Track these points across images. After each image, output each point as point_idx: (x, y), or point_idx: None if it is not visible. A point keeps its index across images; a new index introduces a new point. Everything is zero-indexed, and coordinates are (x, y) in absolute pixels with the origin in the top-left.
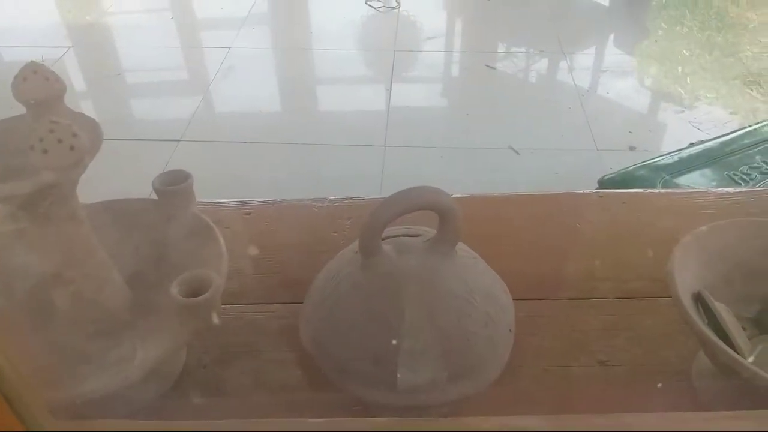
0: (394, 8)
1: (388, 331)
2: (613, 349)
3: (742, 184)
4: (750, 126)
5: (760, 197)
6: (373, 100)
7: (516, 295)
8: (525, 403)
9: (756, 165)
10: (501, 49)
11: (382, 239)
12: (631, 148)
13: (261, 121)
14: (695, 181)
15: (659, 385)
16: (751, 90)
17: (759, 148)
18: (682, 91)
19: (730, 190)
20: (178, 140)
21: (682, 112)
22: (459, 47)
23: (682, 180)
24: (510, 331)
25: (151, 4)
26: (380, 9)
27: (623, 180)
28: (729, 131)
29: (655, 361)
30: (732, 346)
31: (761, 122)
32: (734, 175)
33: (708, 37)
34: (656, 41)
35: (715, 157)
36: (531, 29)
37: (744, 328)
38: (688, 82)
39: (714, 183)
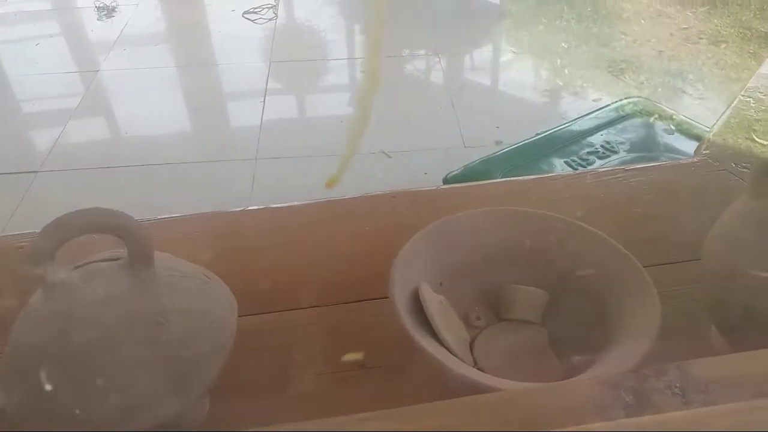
0: (271, 19)
1: (68, 365)
2: (374, 352)
3: (579, 169)
4: (593, 111)
5: (539, 183)
6: (247, 114)
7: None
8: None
9: (594, 150)
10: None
11: (77, 267)
12: (497, 143)
13: (129, 144)
14: (533, 170)
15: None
16: (624, 77)
17: (601, 132)
18: (554, 83)
19: (520, 179)
20: (36, 172)
21: (551, 103)
22: (335, 54)
23: (520, 171)
24: (223, 348)
25: (21, 33)
26: (257, 21)
27: (467, 176)
28: (575, 117)
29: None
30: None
31: (603, 106)
32: (572, 161)
33: (585, 28)
34: (535, 36)
35: (557, 145)
36: (409, 32)
37: (479, 318)
38: (566, 73)
39: (552, 171)
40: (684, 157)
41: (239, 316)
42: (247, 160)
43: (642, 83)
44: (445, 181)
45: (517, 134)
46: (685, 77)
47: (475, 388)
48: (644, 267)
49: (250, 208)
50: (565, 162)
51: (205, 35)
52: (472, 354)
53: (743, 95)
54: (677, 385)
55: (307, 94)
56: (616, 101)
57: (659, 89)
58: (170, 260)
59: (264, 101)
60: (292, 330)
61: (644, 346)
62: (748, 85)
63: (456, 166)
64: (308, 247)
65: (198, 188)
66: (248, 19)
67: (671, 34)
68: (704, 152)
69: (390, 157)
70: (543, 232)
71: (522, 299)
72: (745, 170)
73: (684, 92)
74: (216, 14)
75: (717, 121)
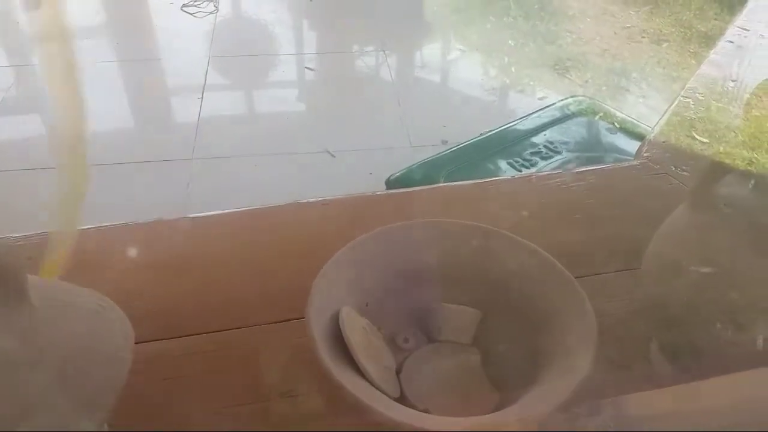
0: (211, 13)
1: None
2: (297, 378)
3: (522, 170)
4: (537, 110)
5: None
6: (183, 111)
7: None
8: None
9: (537, 150)
10: (323, 49)
11: None
12: (443, 142)
13: (52, 144)
14: (476, 172)
15: None
16: (569, 75)
17: (544, 132)
18: (501, 81)
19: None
20: None
21: (497, 101)
22: (278, 50)
23: (463, 173)
24: (113, 387)
25: None
26: (197, 15)
27: (408, 178)
28: (519, 116)
29: None
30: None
31: (547, 106)
32: (515, 162)
33: (532, 26)
34: (483, 33)
35: (501, 146)
36: (357, 28)
37: (407, 340)
38: (513, 71)
39: (495, 172)
40: (626, 158)
41: (143, 342)
42: (184, 161)
43: (587, 81)
44: (387, 183)
45: (464, 133)
46: (628, 76)
47: (395, 427)
48: (584, 277)
49: (165, 218)
50: (508, 163)
51: (141, 29)
52: (400, 380)
53: (683, 96)
54: (611, 425)
55: (247, 89)
56: (560, 100)
57: (603, 87)
58: (56, 289)
59: (202, 98)
60: (204, 356)
61: (579, 373)
62: (688, 85)
63: (402, 166)
64: (226, 261)
65: (129, 192)
66: (187, 12)
67: (615, 33)
68: (645, 154)
69: (334, 156)
70: (475, 246)
71: (452, 319)
72: (685, 173)
73: (627, 91)
74: (154, 7)
75: (657, 122)
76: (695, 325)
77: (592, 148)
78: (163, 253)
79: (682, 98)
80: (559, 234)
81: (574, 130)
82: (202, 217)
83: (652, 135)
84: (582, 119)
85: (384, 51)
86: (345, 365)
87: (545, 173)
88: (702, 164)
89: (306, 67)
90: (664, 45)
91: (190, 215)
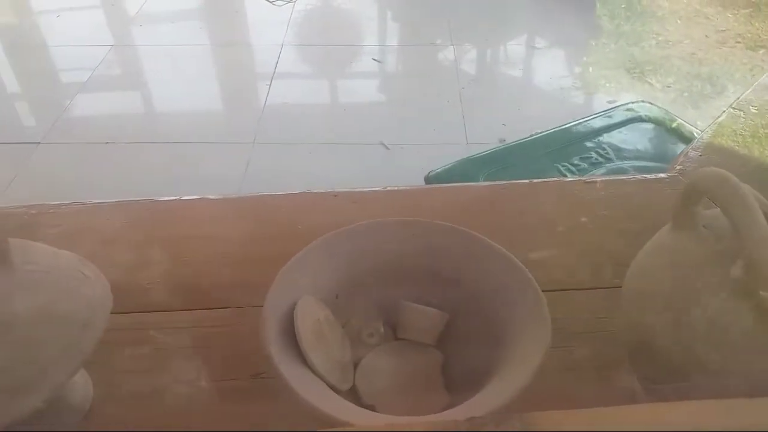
0: (290, 1)
1: None
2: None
3: (568, 175)
4: (596, 114)
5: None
6: (251, 97)
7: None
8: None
9: (587, 155)
10: (393, 41)
11: None
12: (501, 141)
13: (130, 121)
14: (516, 174)
15: None
16: (649, 78)
17: (598, 137)
18: (573, 82)
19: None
20: (38, 143)
21: (565, 102)
22: (349, 41)
23: (505, 174)
24: (79, 351)
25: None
26: (276, 3)
27: (448, 175)
28: (571, 121)
29: None
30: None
31: (607, 110)
32: (562, 166)
33: (616, 25)
34: (562, 31)
35: (550, 148)
36: (429, 21)
37: (372, 335)
38: (589, 72)
39: (537, 176)
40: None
41: (126, 313)
42: (246, 144)
43: (668, 86)
44: (427, 179)
45: (523, 133)
46: (714, 82)
47: (320, 419)
48: (567, 290)
49: (164, 198)
50: (555, 167)
51: (224, 15)
52: (356, 374)
53: (734, 108)
54: None
55: (313, 79)
56: (621, 105)
57: (685, 94)
58: (40, 253)
59: (270, 84)
60: (182, 332)
61: (520, 381)
62: (742, 97)
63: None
64: (225, 244)
65: (190, 171)
66: (268, 0)
67: (706, 36)
68: (677, 167)
69: (388, 149)
70: (451, 248)
71: (417, 319)
72: None
73: (711, 98)
74: None
75: (700, 135)
76: (661, 349)
77: (645, 158)
78: (169, 230)
79: (732, 110)
80: (554, 244)
81: (630, 137)
82: (215, 199)
83: (689, 149)
84: (641, 126)
85: (453, 45)
86: (295, 354)
87: (566, 180)
88: (681, 192)
89: (373, 59)
90: (761, 52)
91: (209, 196)
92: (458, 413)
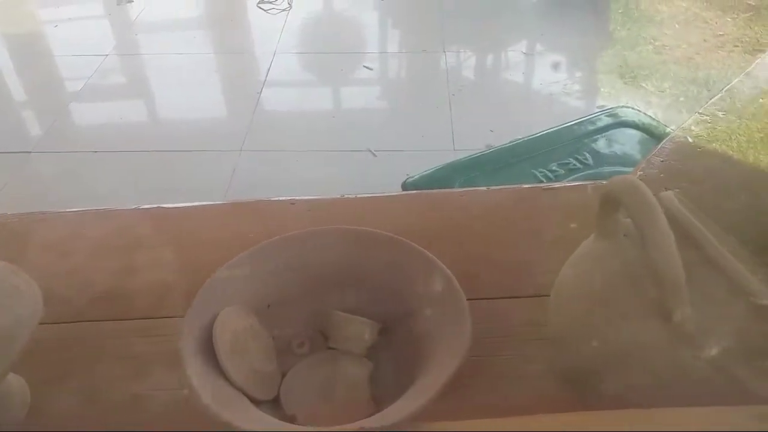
0: (284, 10)
1: None
2: None
3: (545, 181)
4: (578, 120)
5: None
6: (241, 105)
7: None
8: None
9: (565, 161)
10: (385, 48)
11: None
12: (488, 147)
13: (120, 130)
14: (492, 180)
15: None
16: (644, 83)
17: (578, 143)
18: (562, 87)
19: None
20: (29, 152)
21: (554, 108)
22: (341, 48)
23: (481, 180)
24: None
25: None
26: (270, 11)
27: (425, 182)
28: (553, 127)
29: None
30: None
31: (589, 115)
32: (539, 172)
33: (613, 30)
34: (557, 36)
35: (528, 155)
36: (422, 28)
37: (302, 344)
38: (581, 77)
39: (514, 182)
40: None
41: (57, 323)
42: (233, 151)
43: (663, 91)
44: (403, 186)
45: (510, 138)
46: (711, 87)
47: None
48: (494, 299)
49: (111, 209)
50: (533, 172)
51: (218, 24)
52: (282, 384)
53: (700, 113)
54: None
55: (304, 86)
56: (603, 110)
57: (681, 98)
58: None
59: (260, 92)
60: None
61: (431, 390)
62: (712, 100)
63: None
64: (172, 253)
65: (175, 177)
66: (262, 8)
67: (705, 41)
68: (639, 174)
69: (375, 155)
70: (384, 256)
71: (347, 329)
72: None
73: (706, 103)
74: (232, 2)
75: (664, 141)
76: (582, 360)
77: (625, 163)
78: (101, 241)
79: (698, 115)
80: (499, 251)
81: (612, 143)
82: (163, 208)
83: (653, 154)
84: (624, 131)
85: (445, 52)
86: (216, 365)
87: (524, 186)
88: (602, 199)
89: (364, 66)
90: (759, 56)
91: (161, 205)
92: (370, 423)
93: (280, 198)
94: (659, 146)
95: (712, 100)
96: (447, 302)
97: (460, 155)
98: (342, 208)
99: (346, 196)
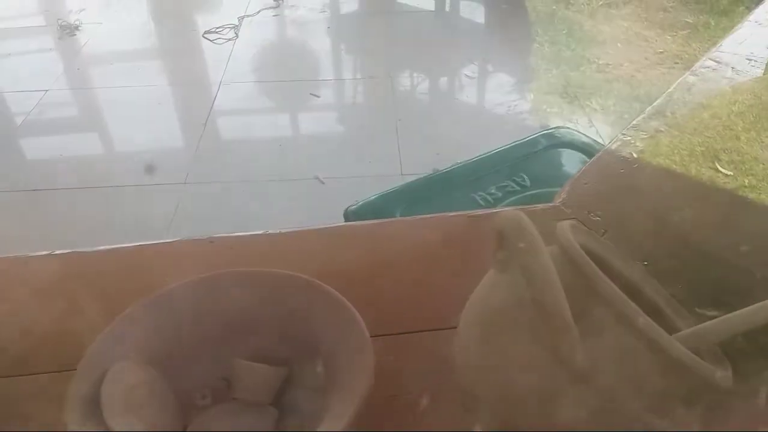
0: (230, 39)
1: None
2: None
3: (484, 204)
4: (515, 142)
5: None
6: (185, 138)
7: None
8: None
9: (504, 184)
10: (331, 76)
11: None
12: (435, 171)
13: (60, 166)
14: (431, 207)
15: None
16: (589, 102)
17: (516, 167)
18: (507, 109)
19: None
20: None
21: (499, 130)
22: (288, 77)
23: (421, 207)
24: None
25: None
26: (216, 41)
27: (366, 210)
28: (492, 149)
29: None
30: None
31: (528, 137)
32: (479, 196)
33: (557, 51)
34: (502, 58)
35: (468, 179)
36: (368, 55)
37: (204, 396)
38: (529, 98)
39: (454, 206)
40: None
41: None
42: (177, 184)
43: (606, 109)
44: (345, 215)
45: (456, 161)
46: (653, 103)
47: None
48: (420, 332)
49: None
50: (473, 197)
51: (162, 55)
52: None
53: (623, 134)
54: None
55: (250, 116)
56: (541, 131)
57: (625, 115)
58: None
59: (205, 124)
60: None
61: None
62: (632, 123)
63: None
64: (63, 302)
65: (116, 214)
66: (208, 39)
67: (646, 59)
68: (562, 197)
69: (323, 183)
70: (287, 297)
71: (250, 378)
72: (597, 218)
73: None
74: (177, 32)
75: (587, 164)
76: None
77: (561, 184)
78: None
79: (622, 136)
80: (408, 284)
81: (550, 164)
82: (66, 254)
83: (576, 177)
84: (563, 152)
85: (391, 77)
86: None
87: (449, 215)
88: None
89: (311, 94)
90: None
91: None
92: None
93: (199, 236)
94: (582, 170)
95: (635, 120)
96: (350, 340)
97: (408, 179)
98: (265, 245)
99: (268, 231)
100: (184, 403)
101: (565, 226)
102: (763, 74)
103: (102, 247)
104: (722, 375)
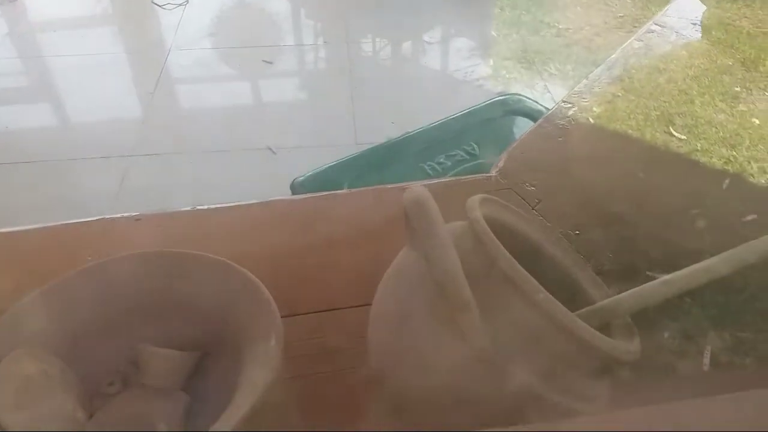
0: (181, 5)
1: None
2: None
3: (432, 174)
4: (467, 109)
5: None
6: (132, 107)
7: None
8: None
9: (453, 153)
10: (285, 42)
11: None
12: (388, 139)
13: (2, 139)
14: (380, 177)
15: None
16: (547, 67)
17: (466, 135)
18: (465, 75)
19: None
20: None
21: (457, 97)
22: (239, 43)
23: (372, 177)
24: None
25: None
26: (165, 6)
27: (314, 182)
28: (442, 118)
29: None
30: None
31: (478, 105)
32: (428, 166)
33: (518, 16)
34: (462, 24)
35: (416, 148)
36: (324, 19)
37: (112, 383)
38: (487, 64)
39: (401, 177)
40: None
41: None
42: (123, 157)
43: (566, 73)
44: (292, 187)
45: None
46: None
47: None
48: (338, 309)
49: None
50: (422, 166)
51: (109, 21)
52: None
53: (564, 101)
54: None
55: (200, 84)
56: (492, 99)
57: (584, 80)
58: None
59: (153, 92)
60: None
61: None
62: (575, 89)
63: None
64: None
65: (59, 189)
66: (156, 4)
67: (605, 22)
68: (499, 167)
69: (275, 153)
70: (194, 277)
71: (157, 363)
72: (532, 188)
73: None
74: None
75: (524, 132)
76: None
77: None
78: None
79: (563, 104)
80: (335, 260)
81: (500, 133)
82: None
83: (513, 146)
84: (514, 120)
85: (347, 43)
86: None
87: (385, 187)
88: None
89: (263, 60)
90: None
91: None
92: None
93: (123, 215)
94: (518, 139)
95: (577, 87)
96: (261, 325)
97: (363, 149)
98: (196, 220)
99: (197, 207)
100: (93, 391)
101: (474, 200)
102: (701, 38)
103: (21, 227)
104: (625, 349)
